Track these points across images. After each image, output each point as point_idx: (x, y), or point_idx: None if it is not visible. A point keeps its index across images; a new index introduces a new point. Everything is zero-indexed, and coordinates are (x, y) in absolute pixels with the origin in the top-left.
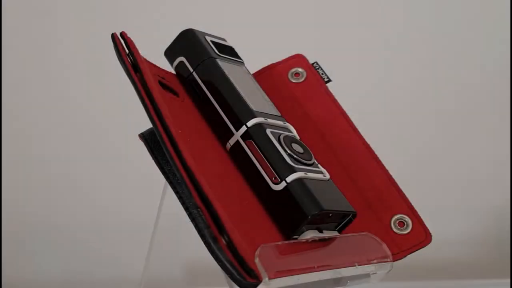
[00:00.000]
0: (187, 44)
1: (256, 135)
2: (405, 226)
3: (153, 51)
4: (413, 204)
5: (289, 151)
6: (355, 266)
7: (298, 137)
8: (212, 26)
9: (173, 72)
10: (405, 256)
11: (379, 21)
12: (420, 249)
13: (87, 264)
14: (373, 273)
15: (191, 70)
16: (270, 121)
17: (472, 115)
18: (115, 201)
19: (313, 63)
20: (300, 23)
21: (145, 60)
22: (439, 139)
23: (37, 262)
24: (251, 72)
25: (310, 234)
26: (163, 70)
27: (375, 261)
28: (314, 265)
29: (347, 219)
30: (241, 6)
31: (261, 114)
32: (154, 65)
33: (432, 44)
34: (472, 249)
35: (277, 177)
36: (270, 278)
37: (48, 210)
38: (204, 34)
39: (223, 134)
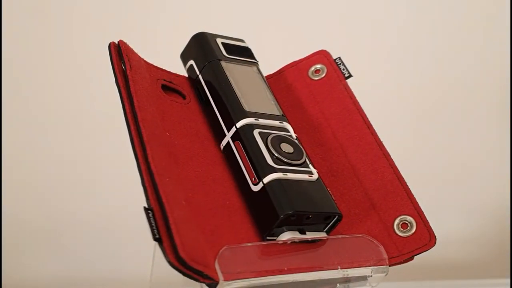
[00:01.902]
0: (196, 47)
1: (243, 135)
2: (408, 228)
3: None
4: None
5: (274, 152)
6: (337, 269)
7: (294, 137)
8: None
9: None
10: (405, 260)
11: (381, 19)
12: (422, 252)
13: (87, 264)
14: (369, 276)
15: (198, 72)
16: (262, 121)
17: (473, 115)
18: (116, 202)
19: (335, 59)
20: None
21: (146, 65)
22: (439, 138)
23: (37, 262)
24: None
25: (288, 236)
26: (173, 74)
27: (368, 263)
28: (284, 267)
29: (333, 220)
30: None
31: (254, 115)
32: (162, 70)
33: (433, 44)
34: (472, 249)
35: (256, 177)
36: (225, 280)
37: (49, 210)
38: (216, 36)
39: (219, 135)
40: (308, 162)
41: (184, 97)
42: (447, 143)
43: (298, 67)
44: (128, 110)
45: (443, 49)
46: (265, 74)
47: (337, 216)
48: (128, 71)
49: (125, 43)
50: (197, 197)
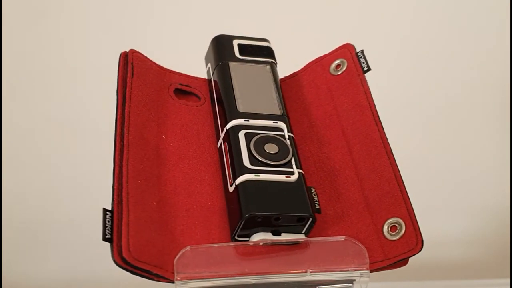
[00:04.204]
0: (213, 50)
1: (231, 136)
2: (397, 231)
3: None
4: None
5: (254, 153)
6: (305, 272)
7: (286, 136)
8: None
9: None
10: (390, 265)
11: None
12: (408, 257)
13: (87, 264)
14: (354, 280)
15: (211, 75)
16: (252, 122)
17: (473, 115)
18: None
19: (357, 52)
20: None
21: (160, 71)
22: (439, 137)
23: (37, 262)
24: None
25: (259, 237)
26: (192, 77)
27: (347, 267)
28: (246, 269)
29: (309, 222)
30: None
31: (247, 115)
32: (180, 74)
33: (432, 44)
34: (472, 249)
35: (232, 178)
36: (177, 280)
37: (48, 210)
38: (234, 37)
39: (218, 137)
40: (292, 163)
41: (199, 99)
42: (447, 143)
43: (321, 63)
44: (119, 116)
45: (445, 52)
46: (291, 72)
47: (311, 218)
48: (129, 79)
49: (135, 52)
50: (177, 198)
